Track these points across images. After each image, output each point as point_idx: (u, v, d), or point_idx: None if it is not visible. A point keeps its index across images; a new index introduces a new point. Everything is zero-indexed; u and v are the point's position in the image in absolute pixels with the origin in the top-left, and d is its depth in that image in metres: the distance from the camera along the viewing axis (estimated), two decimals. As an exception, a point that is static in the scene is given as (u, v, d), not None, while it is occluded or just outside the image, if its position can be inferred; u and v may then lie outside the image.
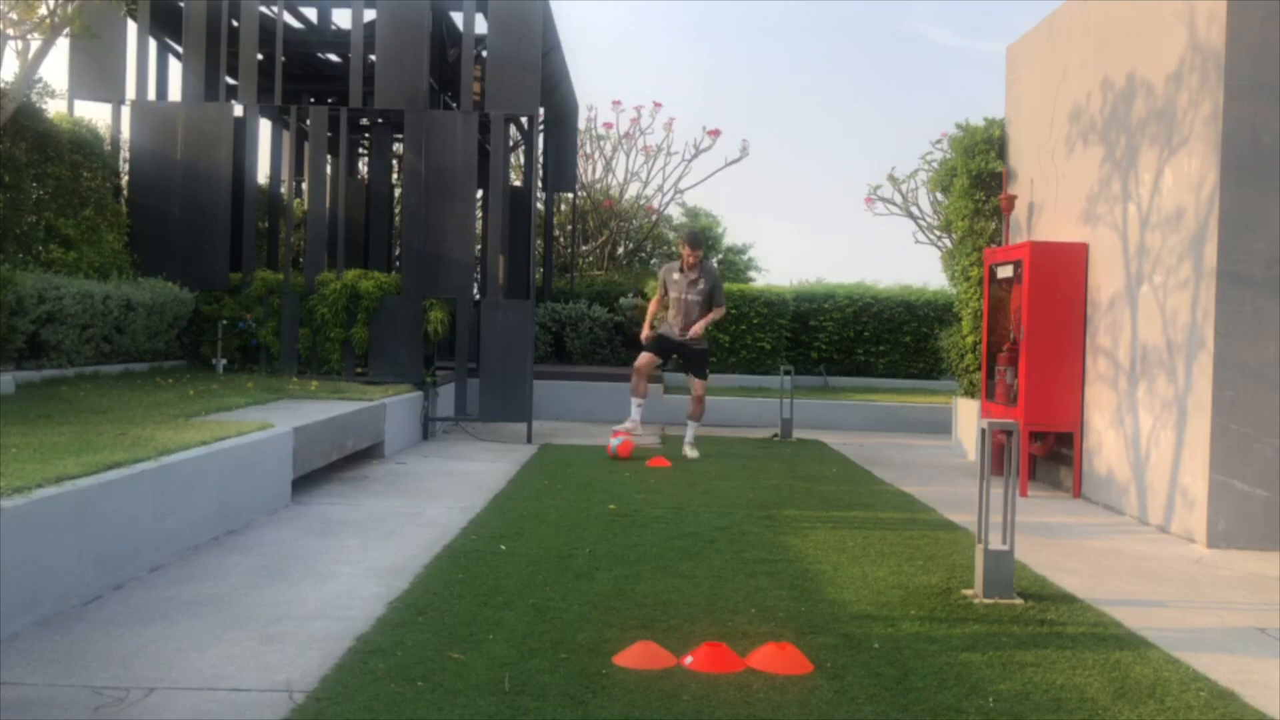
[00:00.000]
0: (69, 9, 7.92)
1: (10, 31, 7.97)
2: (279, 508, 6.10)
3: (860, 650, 3.74)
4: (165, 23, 10.48)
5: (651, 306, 9.65)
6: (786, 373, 11.48)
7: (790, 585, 4.67)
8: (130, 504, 4.43)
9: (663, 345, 9.40)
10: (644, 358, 9.35)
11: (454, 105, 12.01)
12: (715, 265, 9.52)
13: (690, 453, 9.11)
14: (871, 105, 36.46)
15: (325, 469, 7.25)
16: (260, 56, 10.18)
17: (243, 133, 10.24)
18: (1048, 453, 8.13)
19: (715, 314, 9.38)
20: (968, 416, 9.84)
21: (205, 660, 3.45)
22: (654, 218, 19.53)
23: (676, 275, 9.31)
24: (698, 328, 9.18)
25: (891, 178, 16.93)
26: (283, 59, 10.23)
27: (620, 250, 19.27)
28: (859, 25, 35.98)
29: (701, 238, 9.53)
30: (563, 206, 18.12)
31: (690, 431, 9.40)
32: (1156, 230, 6.71)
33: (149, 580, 4.41)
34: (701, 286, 9.28)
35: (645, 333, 9.40)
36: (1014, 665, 3.63)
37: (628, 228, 19.34)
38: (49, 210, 8.76)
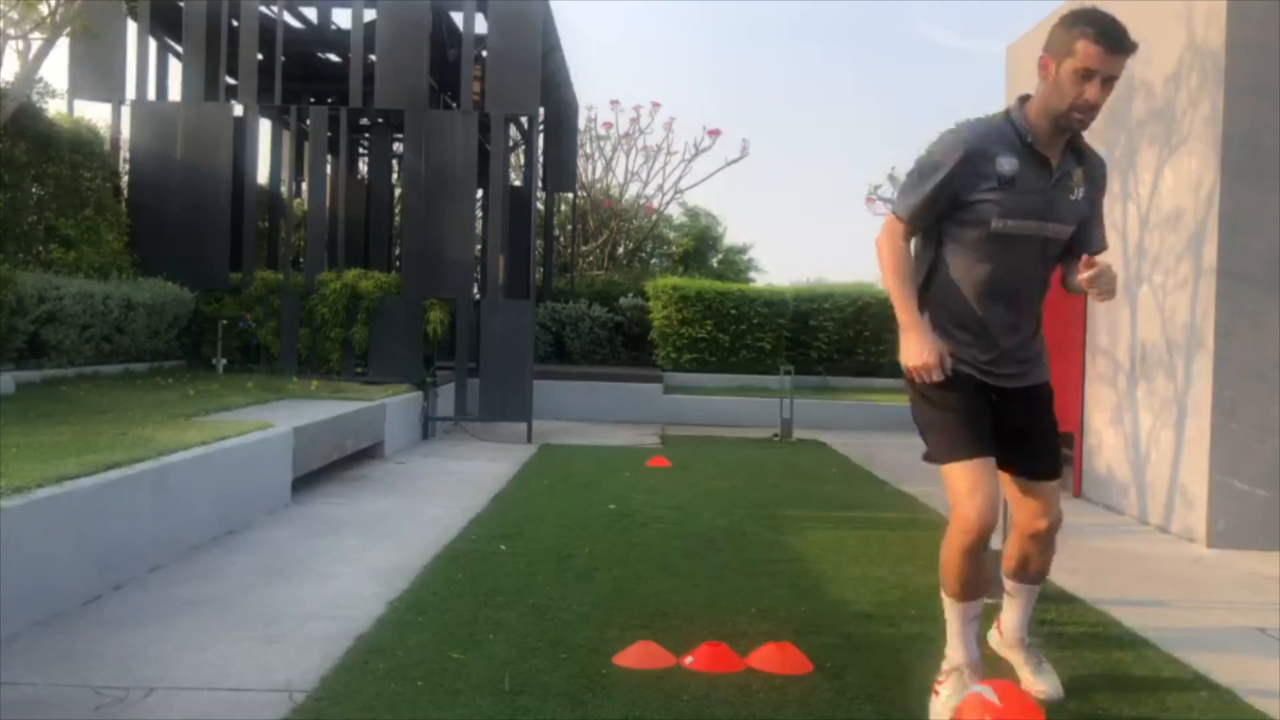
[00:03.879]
0: (70, 9, 7.91)
1: (11, 31, 7.97)
2: (279, 508, 6.10)
3: (860, 650, 3.74)
4: (165, 23, 10.48)
5: (895, 269, 3.23)
6: (786, 372, 11.48)
7: (790, 585, 4.67)
8: (130, 504, 4.43)
9: (980, 406, 3.37)
10: (975, 483, 3.22)
11: (454, 105, 12.02)
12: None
13: (1044, 685, 3.38)
14: (871, 105, 36.50)
15: (325, 469, 7.25)
16: (260, 56, 10.19)
17: (243, 133, 10.24)
18: (1048, 453, 8.12)
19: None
20: (968, 416, 9.82)
21: (205, 660, 3.45)
22: (654, 218, 19.54)
23: (1009, 164, 3.07)
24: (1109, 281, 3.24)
25: (891, 177, 16.97)
26: (283, 59, 10.22)
27: (620, 250, 19.28)
28: (859, 25, 36.01)
29: (1128, 39, 2.93)
30: (563, 206, 18.13)
31: (1024, 612, 3.67)
32: (1156, 230, 6.71)
33: (149, 580, 4.41)
34: (1078, 196, 3.28)
35: (919, 344, 3.15)
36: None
37: (628, 228, 19.35)
38: (49, 210, 8.76)
